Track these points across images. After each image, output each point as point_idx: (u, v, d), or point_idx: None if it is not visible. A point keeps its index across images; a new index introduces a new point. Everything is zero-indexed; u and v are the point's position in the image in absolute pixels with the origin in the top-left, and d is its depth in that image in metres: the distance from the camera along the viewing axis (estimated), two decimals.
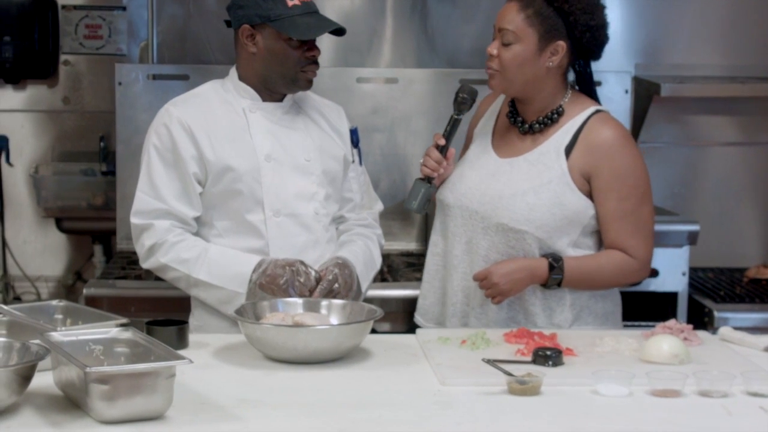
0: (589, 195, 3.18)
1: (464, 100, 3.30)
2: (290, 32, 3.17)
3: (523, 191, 3.17)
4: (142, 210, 3.23)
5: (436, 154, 3.29)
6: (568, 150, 3.18)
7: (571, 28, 3.15)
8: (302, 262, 3.15)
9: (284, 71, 3.22)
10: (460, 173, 3.31)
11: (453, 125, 3.30)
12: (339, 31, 3.23)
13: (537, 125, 3.24)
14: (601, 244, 3.23)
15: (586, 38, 3.16)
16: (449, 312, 3.30)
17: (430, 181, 3.30)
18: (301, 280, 3.12)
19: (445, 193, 3.31)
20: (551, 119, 3.23)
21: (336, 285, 3.16)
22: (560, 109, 3.23)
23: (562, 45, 3.16)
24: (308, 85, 3.26)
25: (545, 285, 3.16)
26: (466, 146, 3.43)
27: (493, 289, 3.13)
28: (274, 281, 3.13)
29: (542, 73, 3.17)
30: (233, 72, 3.32)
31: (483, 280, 3.15)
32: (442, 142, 3.29)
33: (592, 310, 3.24)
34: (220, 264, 3.20)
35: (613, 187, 3.15)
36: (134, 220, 3.24)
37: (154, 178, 3.23)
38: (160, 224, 3.21)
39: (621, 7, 4.87)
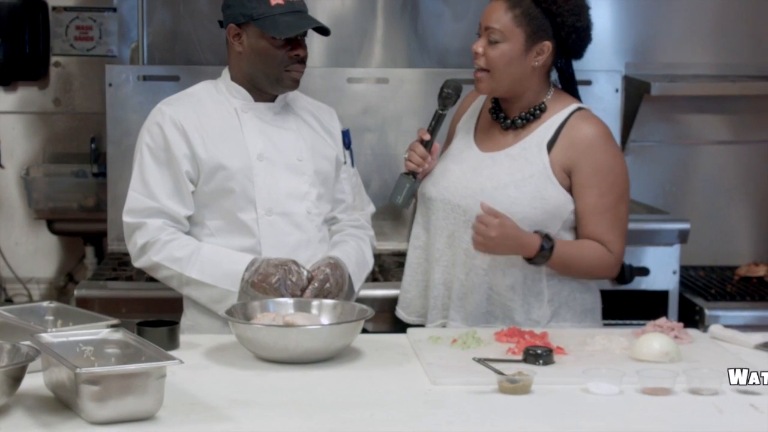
0: (570, 190, 3.18)
1: (449, 95, 3.32)
2: (270, 30, 3.17)
3: (504, 185, 3.18)
4: (134, 208, 3.23)
5: (420, 149, 3.29)
6: (550, 145, 3.19)
7: (558, 29, 3.16)
8: (295, 262, 3.16)
9: (268, 70, 3.22)
10: (442, 167, 3.31)
11: (437, 120, 3.31)
12: (325, 31, 3.23)
13: (519, 120, 3.25)
14: None
15: (572, 39, 3.18)
16: (430, 305, 3.30)
17: (415, 176, 3.31)
18: (293, 279, 3.12)
19: (427, 186, 3.31)
20: (533, 115, 3.24)
21: (327, 285, 3.16)
22: (542, 105, 3.24)
23: (548, 45, 3.17)
24: (294, 84, 3.26)
25: (530, 261, 3.15)
26: (448, 141, 3.44)
27: (484, 233, 3.08)
28: (266, 280, 3.13)
29: (528, 72, 3.18)
30: (226, 72, 3.33)
31: (484, 219, 3.07)
32: (427, 137, 3.30)
33: (571, 307, 3.24)
34: (213, 262, 3.20)
35: (594, 182, 3.16)
36: (126, 218, 3.24)
37: (146, 177, 3.23)
38: (152, 223, 3.21)
39: (611, 6, 4.87)
